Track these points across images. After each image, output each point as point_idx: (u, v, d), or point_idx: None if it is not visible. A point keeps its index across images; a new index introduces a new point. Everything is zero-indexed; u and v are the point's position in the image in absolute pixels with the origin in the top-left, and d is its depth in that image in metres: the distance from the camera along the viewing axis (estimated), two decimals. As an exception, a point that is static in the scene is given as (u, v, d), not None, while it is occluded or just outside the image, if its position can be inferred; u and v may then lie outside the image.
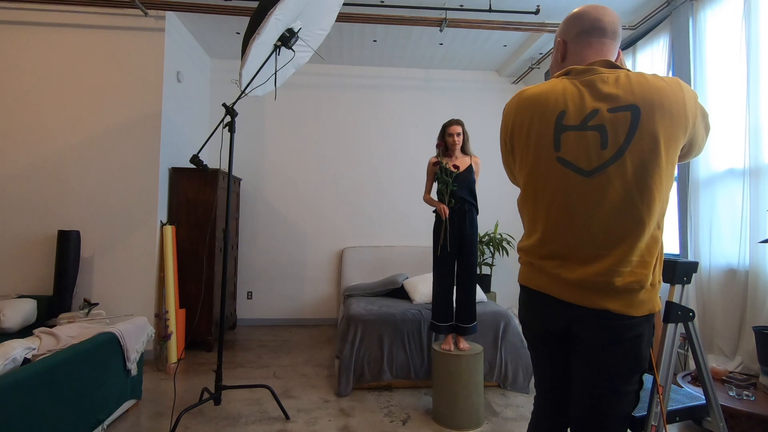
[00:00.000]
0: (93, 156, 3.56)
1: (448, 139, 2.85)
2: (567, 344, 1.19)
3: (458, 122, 2.86)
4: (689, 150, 1.12)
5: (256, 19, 2.35)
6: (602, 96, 1.07)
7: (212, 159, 4.54)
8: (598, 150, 1.06)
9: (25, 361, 1.99)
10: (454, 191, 2.75)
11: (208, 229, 3.76)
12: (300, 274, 4.93)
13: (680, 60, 3.32)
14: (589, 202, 1.07)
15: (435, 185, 2.93)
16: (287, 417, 2.58)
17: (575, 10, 1.21)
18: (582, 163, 1.07)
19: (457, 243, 2.75)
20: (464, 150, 2.87)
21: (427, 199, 2.93)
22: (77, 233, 3.35)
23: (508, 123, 1.24)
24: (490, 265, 4.76)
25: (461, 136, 2.84)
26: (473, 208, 2.80)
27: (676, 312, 1.35)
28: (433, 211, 2.88)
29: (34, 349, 2.10)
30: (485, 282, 4.59)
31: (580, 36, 1.18)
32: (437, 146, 2.93)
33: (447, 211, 2.73)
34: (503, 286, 4.99)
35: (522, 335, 3.15)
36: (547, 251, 1.15)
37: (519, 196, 1.28)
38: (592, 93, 1.09)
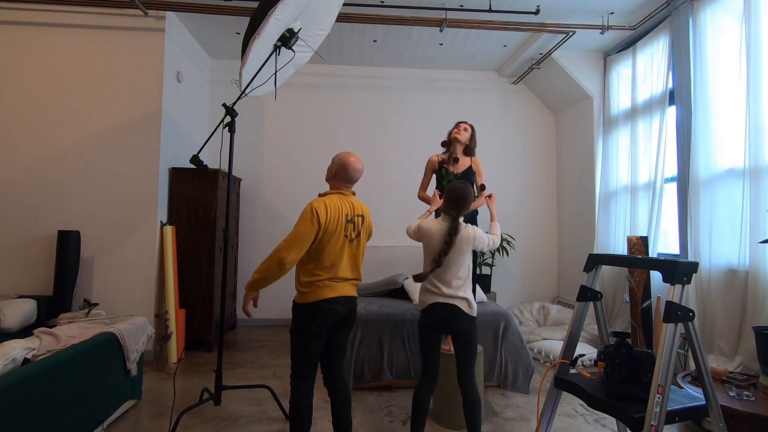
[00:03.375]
0: (93, 156, 3.56)
1: (453, 130, 2.85)
2: None
3: (469, 124, 2.90)
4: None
5: (256, 19, 2.35)
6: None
7: (212, 159, 4.55)
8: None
9: (25, 361, 1.99)
10: None
11: (208, 229, 3.76)
12: (300, 274, 4.91)
13: (680, 60, 3.32)
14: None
15: (432, 184, 2.92)
16: (287, 417, 2.57)
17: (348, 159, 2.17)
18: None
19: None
20: (467, 151, 2.87)
21: (422, 196, 2.92)
22: (77, 233, 3.36)
23: None
24: (490, 265, 4.76)
25: (467, 132, 2.85)
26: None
27: (676, 312, 1.35)
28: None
29: (34, 349, 2.10)
30: (485, 282, 4.58)
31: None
32: (442, 144, 2.93)
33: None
34: (503, 286, 4.98)
35: (521, 335, 3.15)
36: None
37: None
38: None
